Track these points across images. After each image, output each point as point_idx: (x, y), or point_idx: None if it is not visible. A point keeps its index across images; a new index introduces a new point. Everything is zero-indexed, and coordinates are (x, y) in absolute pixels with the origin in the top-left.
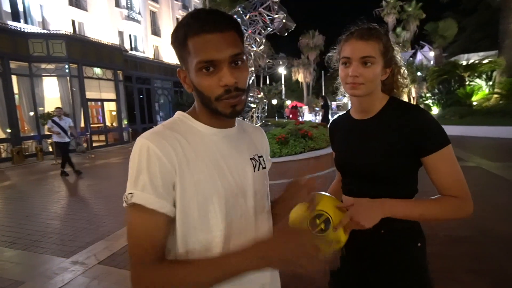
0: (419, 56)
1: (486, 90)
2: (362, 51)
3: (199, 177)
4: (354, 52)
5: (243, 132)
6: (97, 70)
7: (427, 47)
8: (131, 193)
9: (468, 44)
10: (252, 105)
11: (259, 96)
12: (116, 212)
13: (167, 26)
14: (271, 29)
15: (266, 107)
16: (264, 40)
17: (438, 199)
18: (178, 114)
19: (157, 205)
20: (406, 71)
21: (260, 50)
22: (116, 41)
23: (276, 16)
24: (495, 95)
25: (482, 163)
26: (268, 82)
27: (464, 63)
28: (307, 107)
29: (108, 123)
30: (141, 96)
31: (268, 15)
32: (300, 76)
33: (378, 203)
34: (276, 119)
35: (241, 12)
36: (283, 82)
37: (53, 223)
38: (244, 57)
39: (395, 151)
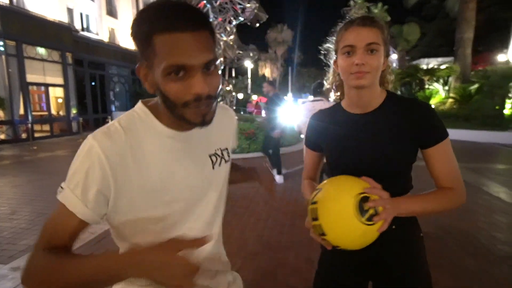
0: None
1: (442, 94)
2: (367, 37)
3: (148, 183)
4: (359, 39)
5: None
6: (41, 50)
7: (391, 49)
8: (62, 187)
9: (428, 49)
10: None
11: (227, 88)
12: None
13: (125, 7)
14: (242, 19)
15: (235, 101)
16: (234, 30)
17: (437, 193)
18: (139, 108)
19: (77, 209)
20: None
21: (230, 40)
22: (64, 18)
23: (248, 5)
24: (450, 100)
25: None
26: (234, 75)
27: (425, 67)
28: None
29: (53, 112)
30: (93, 83)
31: (239, 4)
32: (267, 71)
33: (396, 201)
34: (242, 114)
35: None
36: (249, 76)
37: None
38: (218, 61)
39: (402, 144)
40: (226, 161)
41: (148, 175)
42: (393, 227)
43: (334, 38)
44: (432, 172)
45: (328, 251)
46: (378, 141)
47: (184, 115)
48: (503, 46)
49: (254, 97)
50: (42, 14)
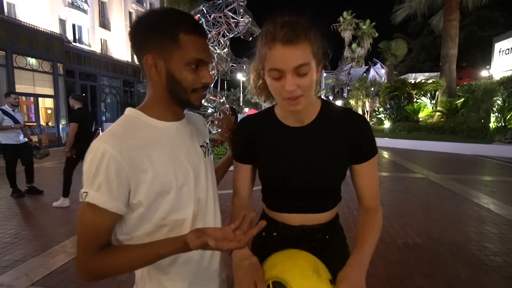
0: (372, 72)
1: (430, 108)
2: (295, 60)
3: (159, 170)
4: (285, 63)
5: (191, 123)
6: (32, 61)
7: (379, 64)
8: (86, 192)
9: (414, 64)
10: (209, 110)
11: (221, 100)
12: (53, 224)
13: (118, 19)
14: (236, 33)
15: (227, 112)
16: (228, 43)
17: (373, 230)
18: (129, 111)
19: (108, 205)
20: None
21: (223, 53)
22: (56, 29)
23: (241, 19)
24: (438, 113)
25: (429, 175)
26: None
27: (412, 81)
28: None
29: (42, 122)
30: (84, 94)
31: (233, 18)
32: None
33: (361, 269)
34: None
35: (205, 12)
36: (241, 88)
37: None
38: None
39: (341, 159)
40: (210, 153)
41: (157, 159)
42: (327, 236)
43: (257, 44)
44: (359, 187)
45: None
46: (315, 156)
47: (190, 98)
48: (485, 62)
49: (246, 110)
50: (33, 24)
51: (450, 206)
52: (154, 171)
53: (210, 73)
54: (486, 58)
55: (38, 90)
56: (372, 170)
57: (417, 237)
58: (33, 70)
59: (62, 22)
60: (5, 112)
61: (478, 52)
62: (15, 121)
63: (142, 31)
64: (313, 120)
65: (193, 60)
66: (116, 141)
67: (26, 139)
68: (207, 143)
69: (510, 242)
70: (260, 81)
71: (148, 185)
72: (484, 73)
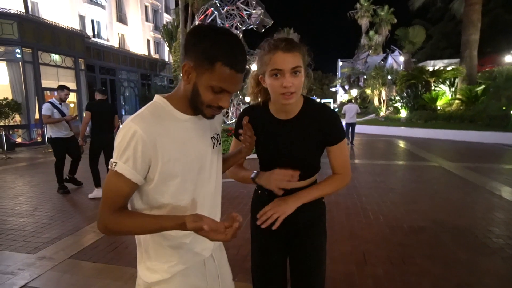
0: (390, 60)
1: (449, 96)
2: (292, 62)
3: (175, 155)
4: (285, 64)
5: None
6: (55, 57)
7: (397, 51)
8: (115, 162)
9: (434, 52)
10: None
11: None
12: (82, 208)
13: (134, 14)
14: (248, 25)
15: (241, 103)
16: (241, 35)
17: (328, 180)
18: (158, 98)
19: (132, 176)
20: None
21: None
22: (76, 26)
23: (254, 11)
24: (457, 101)
25: (443, 164)
26: None
27: (431, 69)
28: None
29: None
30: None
31: (245, 10)
32: None
33: (294, 199)
34: None
35: (218, 5)
36: None
37: (11, 220)
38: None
39: (317, 143)
40: (219, 143)
41: (174, 148)
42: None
43: (257, 55)
44: (331, 162)
45: (257, 230)
46: (296, 140)
47: (204, 110)
48: (510, 48)
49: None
50: (55, 22)
51: (460, 194)
52: (168, 157)
53: (229, 100)
54: (511, 43)
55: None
56: (340, 150)
57: (422, 222)
58: (56, 66)
59: (82, 18)
60: (54, 105)
61: (503, 37)
62: (63, 114)
63: (194, 41)
64: (296, 114)
65: (217, 88)
66: (145, 125)
67: (73, 133)
68: (218, 135)
69: None
70: (257, 88)
71: (160, 167)
72: (508, 58)
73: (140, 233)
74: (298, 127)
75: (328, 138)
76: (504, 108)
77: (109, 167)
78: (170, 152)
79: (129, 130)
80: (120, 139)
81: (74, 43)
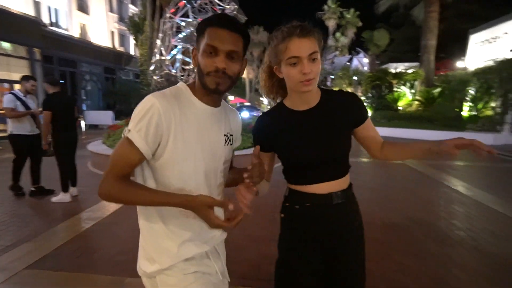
0: (355, 62)
1: (409, 97)
2: (309, 48)
3: (188, 139)
4: (302, 50)
5: (224, 112)
6: (6, 45)
7: (362, 53)
8: (129, 130)
9: (396, 55)
10: None
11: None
12: (41, 212)
13: (97, 3)
14: None
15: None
16: None
17: (406, 144)
18: (182, 85)
19: (141, 146)
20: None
21: None
22: (30, 12)
23: (228, 7)
24: (416, 102)
25: (407, 161)
26: None
27: (393, 71)
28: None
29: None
30: (63, 81)
31: (219, 5)
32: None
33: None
34: None
35: None
36: None
37: None
38: (244, 56)
39: (344, 130)
40: (231, 144)
41: (187, 131)
42: (340, 201)
43: (270, 46)
44: (370, 137)
45: (287, 235)
46: (324, 131)
47: (206, 81)
48: (461, 54)
49: (231, 98)
50: (5, 6)
51: (424, 189)
52: (180, 138)
53: (224, 61)
54: (463, 50)
55: (14, 77)
56: (370, 125)
57: (394, 218)
58: (7, 55)
59: (37, 4)
60: (17, 97)
61: (456, 44)
62: (27, 108)
63: (197, 29)
64: (317, 102)
65: (207, 47)
66: (165, 102)
67: (39, 131)
68: (231, 135)
69: (474, 219)
70: (270, 81)
71: (171, 146)
72: (460, 64)
73: (142, 203)
74: (323, 114)
75: (357, 118)
76: (456, 109)
77: (122, 134)
78: (183, 134)
79: (148, 102)
80: (139, 109)
81: (28, 31)
